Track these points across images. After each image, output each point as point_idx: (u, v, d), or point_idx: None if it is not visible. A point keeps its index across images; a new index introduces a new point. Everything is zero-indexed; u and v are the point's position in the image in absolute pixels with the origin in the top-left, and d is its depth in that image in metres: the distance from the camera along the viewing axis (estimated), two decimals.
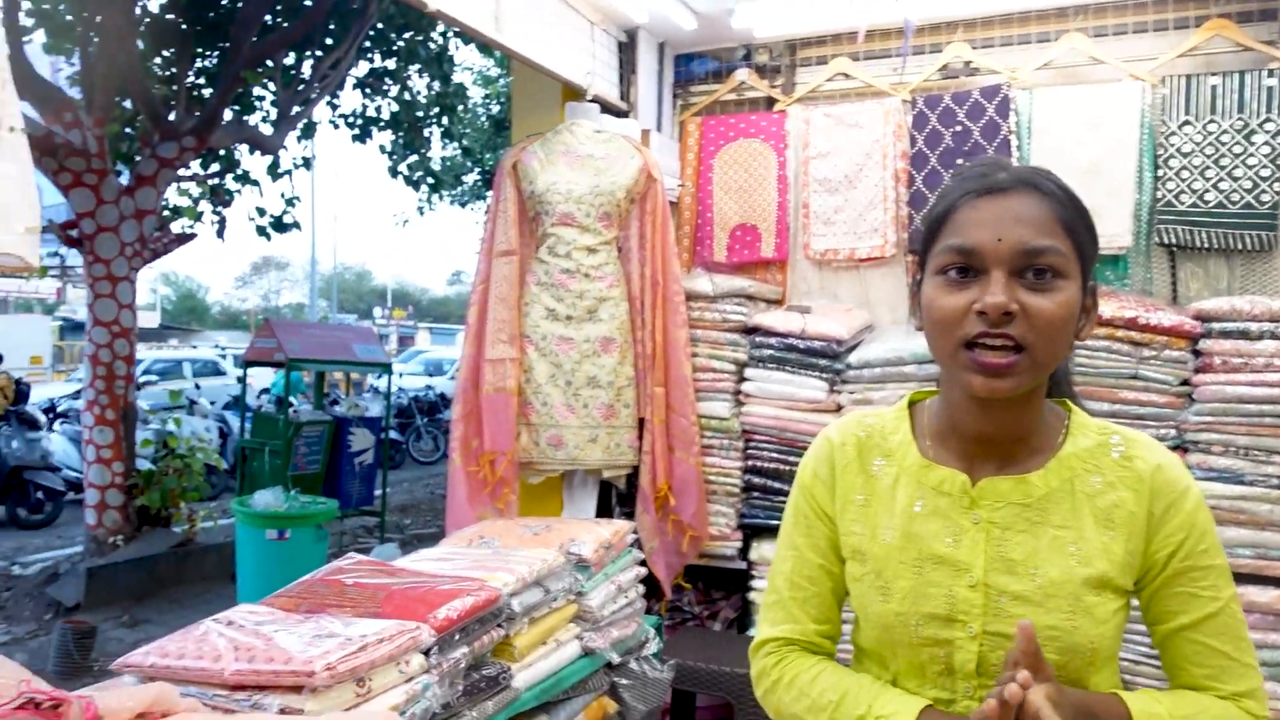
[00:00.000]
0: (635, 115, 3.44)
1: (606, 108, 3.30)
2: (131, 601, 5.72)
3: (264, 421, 6.86)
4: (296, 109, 7.50)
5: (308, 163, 9.00)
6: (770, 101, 3.56)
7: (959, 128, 3.14)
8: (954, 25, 3.26)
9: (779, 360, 3.10)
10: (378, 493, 7.35)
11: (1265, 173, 2.78)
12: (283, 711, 1.33)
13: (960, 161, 3.11)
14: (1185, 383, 2.65)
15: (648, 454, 3.07)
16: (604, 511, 3.30)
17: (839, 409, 3.01)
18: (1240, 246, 2.82)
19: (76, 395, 10.43)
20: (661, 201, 3.12)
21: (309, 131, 8.94)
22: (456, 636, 1.66)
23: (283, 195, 8.41)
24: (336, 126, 9.44)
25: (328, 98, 8.37)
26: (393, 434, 12.19)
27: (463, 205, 14.09)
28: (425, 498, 9.95)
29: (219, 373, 13.97)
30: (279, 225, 8.37)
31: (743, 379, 3.18)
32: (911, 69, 3.33)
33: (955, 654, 1.02)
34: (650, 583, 3.19)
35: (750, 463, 3.16)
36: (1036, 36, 3.18)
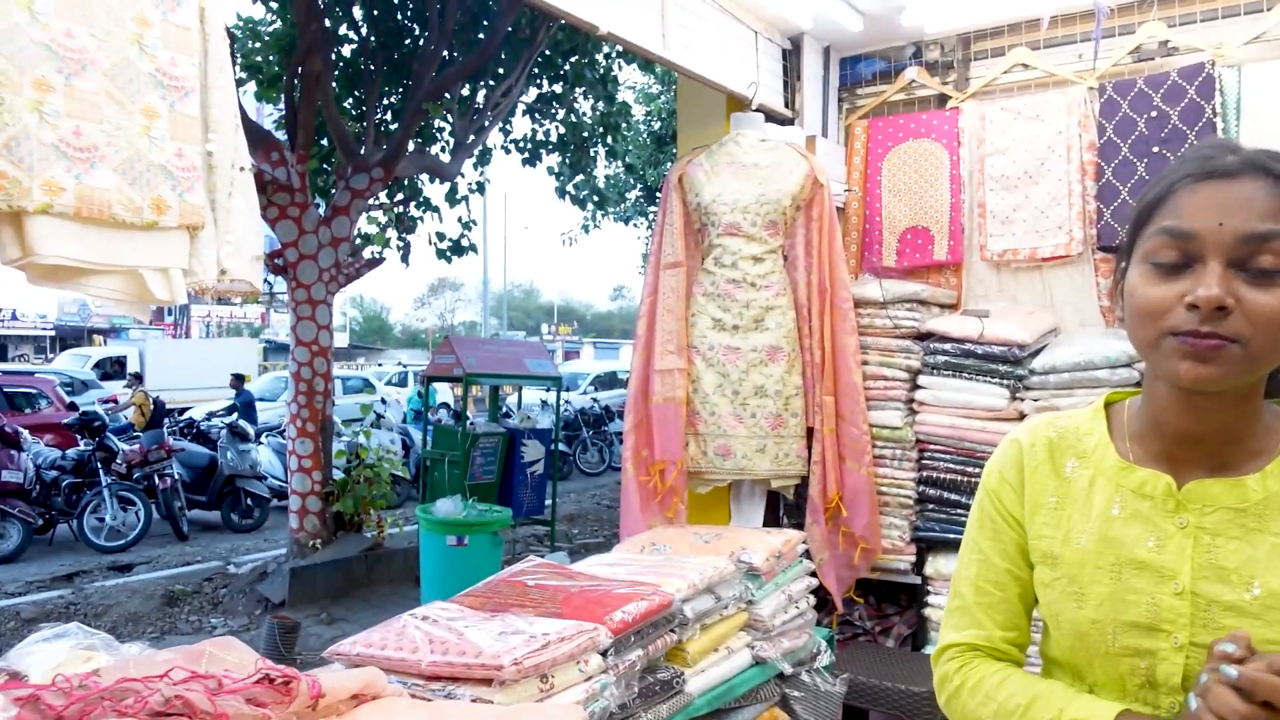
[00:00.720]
0: (800, 122, 3.41)
1: (771, 116, 3.29)
2: (328, 600, 6.19)
3: (444, 434, 7.25)
4: (472, 137, 7.92)
5: (481, 187, 9.46)
6: (942, 99, 3.44)
7: (1154, 113, 2.92)
8: (1147, 3, 3.04)
9: (955, 367, 2.97)
10: (548, 502, 7.60)
11: None
12: (474, 701, 1.40)
13: (1156, 150, 2.88)
14: None
15: (817, 464, 3.02)
16: (772, 522, 3.27)
17: (1021, 417, 2.85)
18: None
19: (229, 411, 11.38)
20: (828, 207, 3.08)
21: (484, 158, 9.42)
22: (632, 639, 1.69)
23: (460, 220, 8.90)
24: (508, 151, 9.90)
25: (500, 124, 8.80)
26: (562, 446, 12.64)
27: (625, 222, 14.40)
28: (591, 508, 10.19)
29: (403, 384, 14.91)
30: (457, 249, 8.86)
31: (916, 387, 3.07)
32: (1099, 55, 3.12)
33: (1159, 666, 0.95)
34: (821, 595, 3.14)
35: (925, 473, 3.05)
36: (1245, 8, 2.91)
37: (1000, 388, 2.89)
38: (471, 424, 7.27)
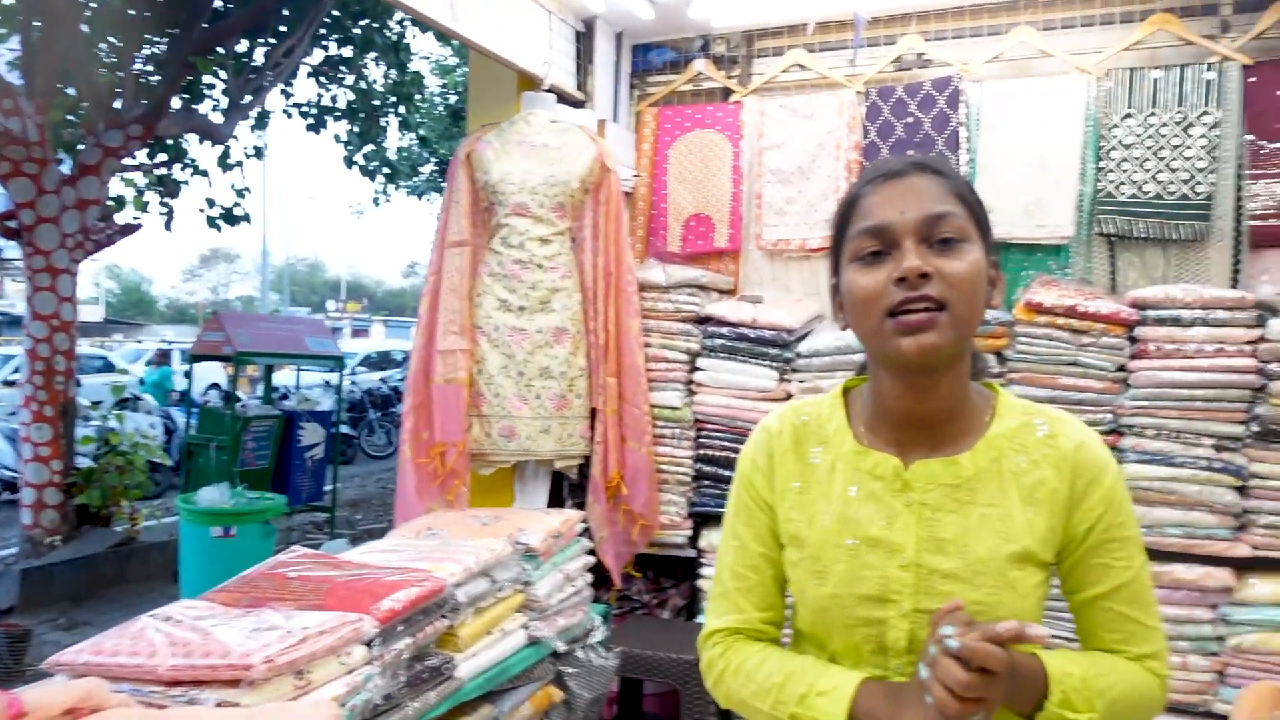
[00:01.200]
0: (592, 105, 3.42)
1: (563, 98, 3.28)
2: (69, 604, 5.57)
3: (210, 417, 6.72)
4: (248, 98, 7.34)
5: (259, 152, 8.81)
6: (727, 92, 3.57)
7: (910, 119, 3.18)
8: (908, 17, 3.29)
9: (730, 350, 3.11)
10: (328, 488, 7.25)
11: (1201, 165, 2.85)
12: (219, 705, 1.30)
13: (911, 153, 3.14)
14: (1121, 369, 2.71)
15: (600, 444, 3.07)
16: (556, 502, 3.29)
17: (788, 398, 3.03)
18: (1175, 236, 2.89)
19: None
20: (616, 192, 3.12)
21: (262, 121, 8.77)
22: (400, 628, 1.64)
23: (233, 186, 8.24)
24: (290, 116, 9.28)
25: (280, 86, 8.22)
26: (345, 429, 12.08)
27: (419, 196, 13.94)
28: (377, 493, 9.84)
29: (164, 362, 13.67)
30: (229, 218, 8.19)
31: (695, 369, 3.19)
32: (866, 61, 3.36)
33: (888, 632, 1.04)
34: (600, 572, 3.20)
35: (701, 451, 3.17)
36: (988, 29, 3.22)
37: (770, 370, 3.06)
38: (242, 406, 6.79)
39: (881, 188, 1.03)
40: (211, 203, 8.10)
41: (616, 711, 3.21)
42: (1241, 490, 2.62)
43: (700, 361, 3.17)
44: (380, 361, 16.73)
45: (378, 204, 12.43)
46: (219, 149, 7.81)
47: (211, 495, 4.88)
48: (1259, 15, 2.89)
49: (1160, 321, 2.67)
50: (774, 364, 3.06)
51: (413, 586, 1.69)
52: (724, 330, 3.13)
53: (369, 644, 1.56)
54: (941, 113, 3.12)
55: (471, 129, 3.22)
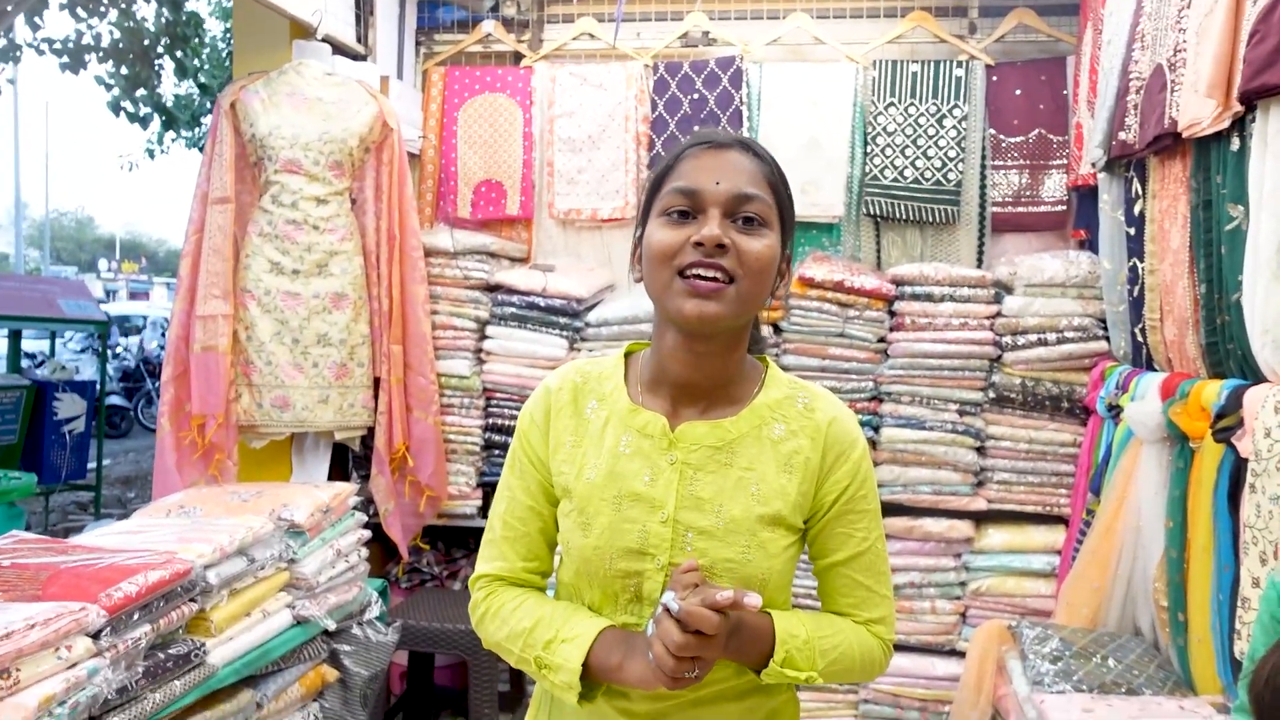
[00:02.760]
0: (373, 60, 3.25)
1: (341, 50, 3.10)
2: None
3: None
4: None
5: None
6: (517, 57, 3.51)
7: (696, 95, 3.25)
8: None
9: (520, 318, 3.09)
10: (92, 465, 6.61)
11: (952, 154, 3.11)
12: None
13: (697, 129, 3.22)
14: (882, 340, 2.93)
15: (384, 414, 2.97)
16: (340, 475, 3.16)
17: None
18: (931, 219, 3.14)
19: None
20: (399, 152, 2.99)
21: (8, 55, 7.72)
22: (135, 615, 1.52)
23: None
24: (41, 53, 8.23)
25: (26, 18, 7.26)
26: (118, 399, 11.02)
27: (201, 149, 12.84)
28: (152, 468, 9.08)
29: None
30: None
31: (484, 337, 3.14)
32: (654, 35, 3.40)
33: (644, 584, 1.07)
34: (389, 545, 3.12)
35: (491, 420, 3.14)
36: (768, 13, 3.35)
37: (560, 339, 3.07)
38: None
39: (702, 154, 1.06)
40: None
41: (407, 686, 3.15)
42: (980, 450, 2.91)
43: (490, 329, 3.13)
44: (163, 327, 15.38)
45: (152, 156, 11.31)
46: None
47: None
48: (1000, 20, 3.18)
49: (915, 297, 2.91)
50: (564, 333, 3.07)
51: (153, 570, 1.56)
52: (514, 298, 3.10)
53: (96, 635, 1.43)
54: (725, 91, 3.22)
55: (238, 76, 2.98)
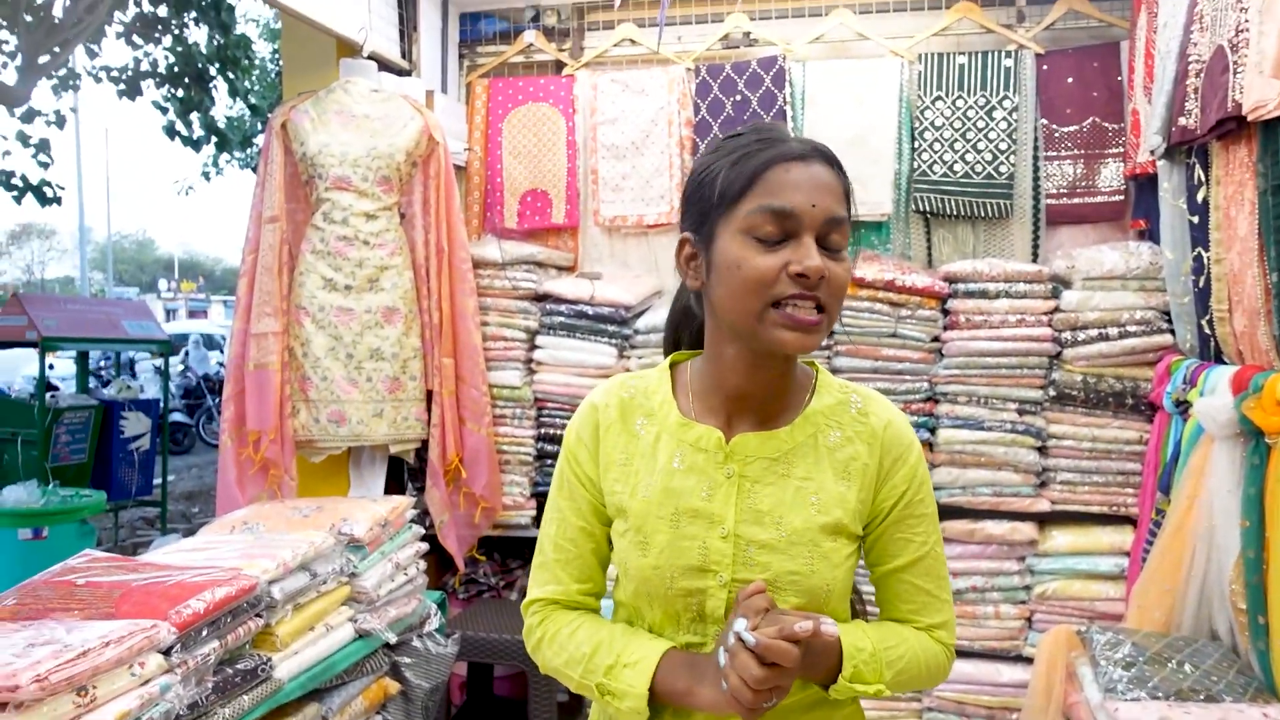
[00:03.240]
0: (418, 74, 3.30)
1: (386, 66, 3.14)
2: None
3: (13, 409, 6.12)
4: (46, 57, 6.67)
5: (61, 120, 8.04)
6: (559, 65, 3.52)
7: (739, 97, 3.23)
8: None
9: (569, 327, 3.10)
10: (157, 481, 6.79)
11: (1003, 146, 3.04)
12: None
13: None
14: (936, 339, 2.88)
15: (437, 427, 3.00)
16: (396, 488, 3.19)
17: None
18: (983, 214, 3.07)
19: None
20: (445, 165, 3.02)
21: (67, 83, 7.99)
22: (204, 632, 1.55)
23: (34, 155, 7.48)
24: (99, 80, 8.50)
25: (85, 45, 7.51)
26: (180, 416, 11.32)
27: (254, 169, 13.15)
28: (214, 483, 9.31)
29: None
30: (39, 195, 7.45)
31: (534, 347, 3.16)
32: (695, 38, 3.39)
33: (707, 602, 1.06)
34: (445, 557, 3.14)
35: (543, 430, 3.16)
36: (809, 10, 3.31)
37: (610, 346, 3.07)
38: (53, 397, 6.24)
39: (791, 168, 1.00)
40: (9, 175, 7.34)
41: (467, 697, 3.18)
42: (1041, 450, 2.84)
43: (539, 339, 3.14)
44: (221, 344, 15.79)
45: (208, 177, 11.63)
46: (17, 113, 7.07)
47: (18, 494, 4.46)
48: (1049, 7, 3.10)
49: (969, 294, 2.85)
50: (613, 340, 3.07)
51: (220, 586, 1.59)
52: (562, 307, 3.11)
53: (167, 652, 1.46)
54: (768, 91, 3.19)
55: (287, 97, 3.04)
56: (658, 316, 3.06)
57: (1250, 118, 2.01)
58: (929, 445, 2.86)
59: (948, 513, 2.84)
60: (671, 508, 1.07)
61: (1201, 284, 2.41)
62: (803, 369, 1.15)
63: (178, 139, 9.21)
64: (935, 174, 3.09)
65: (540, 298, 3.18)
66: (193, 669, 1.50)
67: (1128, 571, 2.69)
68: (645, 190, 3.32)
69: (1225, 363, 2.31)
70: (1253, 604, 2.06)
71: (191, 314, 29.96)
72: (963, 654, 2.83)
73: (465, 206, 3.40)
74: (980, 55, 3.07)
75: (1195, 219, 2.43)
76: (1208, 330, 2.40)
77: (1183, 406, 2.43)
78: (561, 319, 3.10)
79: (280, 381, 2.75)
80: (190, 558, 1.82)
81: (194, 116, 9.08)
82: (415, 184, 3.02)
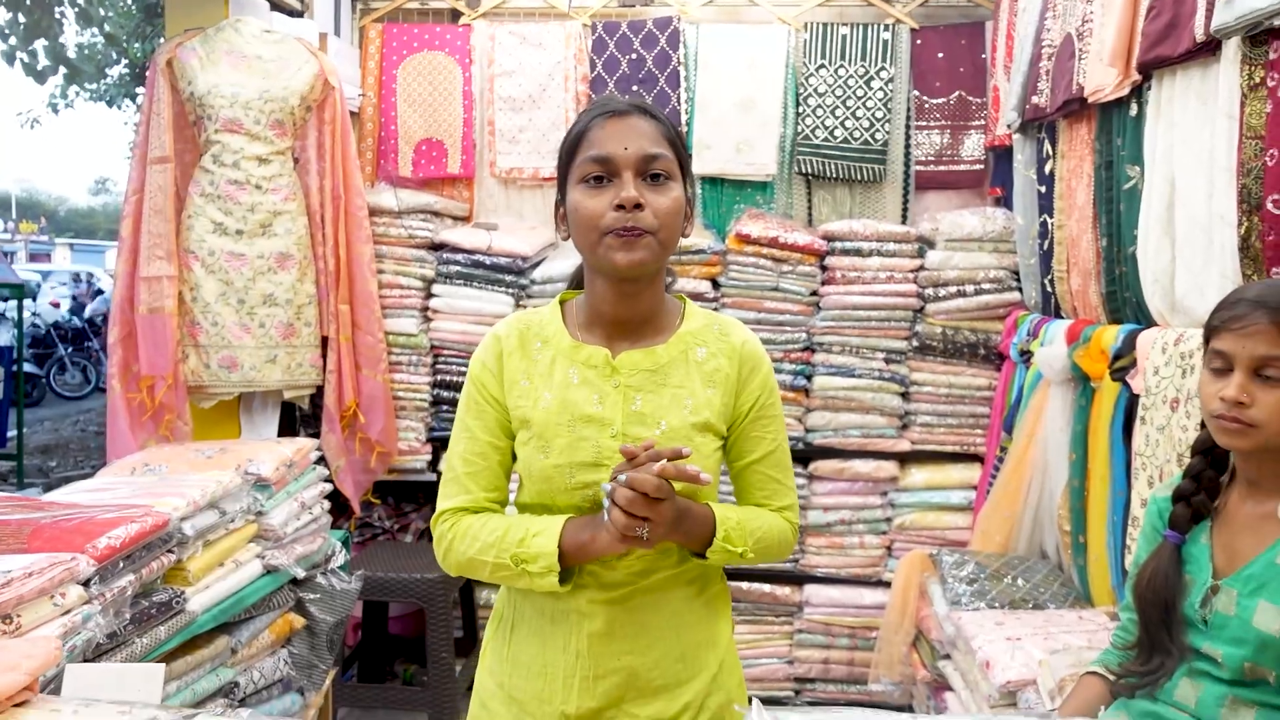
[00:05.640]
0: (310, 16, 3.23)
1: (278, 6, 3.07)
2: None
3: None
4: None
5: None
6: (455, 14, 3.52)
7: (634, 55, 3.33)
8: None
9: (466, 277, 3.15)
10: (11, 434, 6.42)
11: (879, 115, 3.26)
12: None
13: (635, 89, 3.30)
14: (814, 293, 3.10)
15: (333, 373, 3.01)
16: (288, 433, 3.19)
17: None
18: (860, 178, 3.30)
19: None
20: (341, 111, 3.00)
21: None
22: (120, 565, 1.58)
23: None
24: None
25: None
26: (30, 367, 10.61)
27: (108, 103, 12.24)
28: (74, 436, 8.84)
29: None
30: None
31: (430, 295, 3.20)
32: None
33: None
34: (340, 500, 3.18)
35: (439, 377, 3.22)
36: None
37: (506, 296, 3.15)
38: None
39: (607, 123, 1.21)
40: None
41: (362, 636, 3.24)
42: (904, 395, 3.12)
43: (436, 288, 3.19)
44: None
45: (56, 110, 10.79)
46: None
47: None
48: None
49: (845, 252, 3.07)
50: (509, 290, 3.15)
51: (133, 522, 1.62)
52: (459, 257, 3.16)
53: (86, 583, 1.49)
54: (663, 52, 3.30)
55: (171, 33, 2.94)
56: (553, 267, 3.15)
57: (1090, 100, 2.27)
58: (805, 392, 3.10)
59: (820, 453, 3.10)
60: (569, 415, 1.24)
61: (1046, 247, 2.70)
62: (673, 301, 1.35)
63: (18, 64, 8.52)
64: (817, 139, 3.29)
65: (436, 247, 3.22)
66: (111, 600, 1.54)
67: (974, 503, 3.01)
68: (542, 144, 3.38)
69: (1063, 317, 2.61)
70: (1075, 526, 2.37)
71: (33, 257, 27.72)
72: (829, 580, 3.12)
73: (359, 154, 3.37)
74: (861, 27, 3.27)
75: (1043, 189, 2.71)
76: (1049, 288, 2.70)
77: (1026, 356, 2.73)
78: (458, 268, 3.16)
79: (175, 326, 2.71)
80: (95, 497, 1.82)
81: (40, 44, 8.41)
82: (309, 129, 2.99)
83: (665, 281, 1.33)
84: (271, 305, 2.90)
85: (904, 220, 3.36)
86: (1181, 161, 1.90)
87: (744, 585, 3.11)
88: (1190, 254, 1.86)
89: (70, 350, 11.22)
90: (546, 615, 1.28)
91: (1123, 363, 2.10)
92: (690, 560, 1.27)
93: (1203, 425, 1.40)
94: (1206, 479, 1.43)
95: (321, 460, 3.00)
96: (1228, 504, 1.40)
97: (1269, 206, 1.60)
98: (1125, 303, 2.22)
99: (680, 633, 1.28)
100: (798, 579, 3.14)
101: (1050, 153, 2.64)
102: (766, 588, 3.14)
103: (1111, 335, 2.17)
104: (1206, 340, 1.37)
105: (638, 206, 1.17)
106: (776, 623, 3.17)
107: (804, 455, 3.10)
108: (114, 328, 2.77)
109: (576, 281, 1.42)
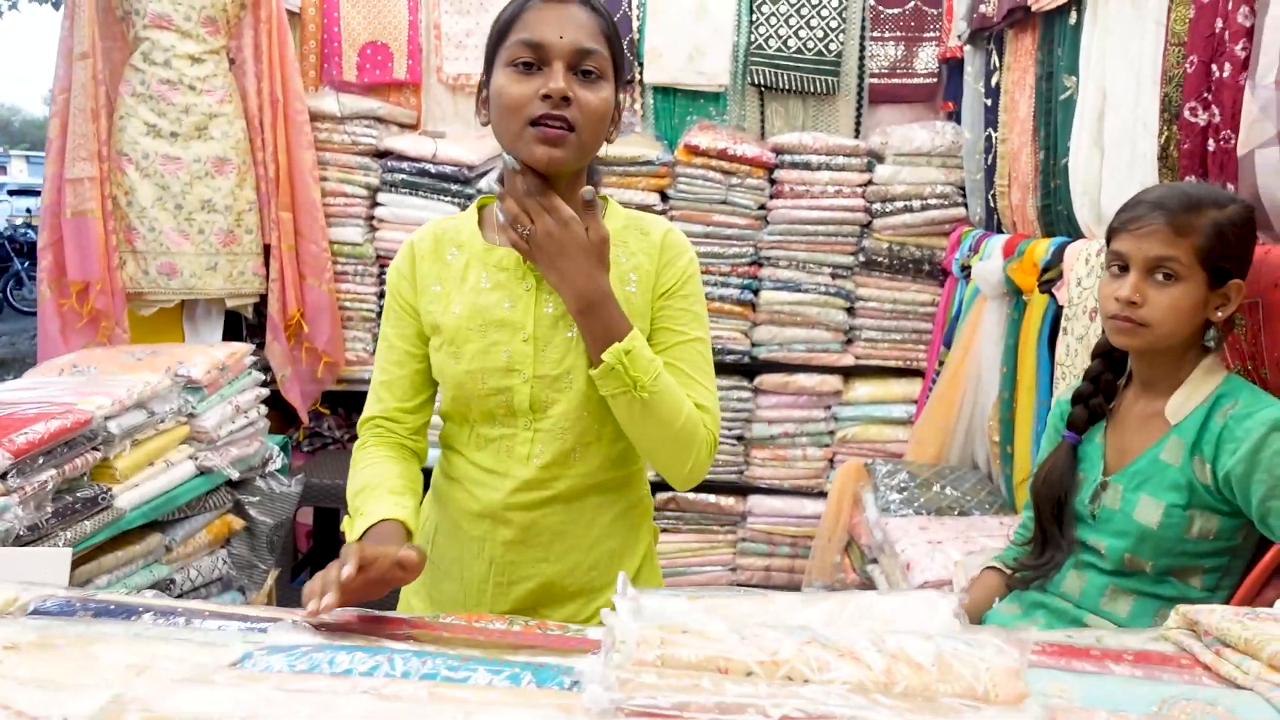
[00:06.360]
0: None
1: None
2: None
3: None
4: None
5: None
6: None
7: None
8: None
9: (411, 185, 3.11)
10: None
11: (834, 24, 3.20)
12: None
13: None
14: (763, 207, 3.09)
15: (276, 281, 2.98)
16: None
17: None
18: (813, 90, 3.25)
19: None
20: (278, 9, 2.90)
21: None
22: (40, 460, 1.59)
23: None
24: None
25: None
26: None
27: (55, 6, 11.77)
28: (29, 349, 8.72)
29: None
30: None
31: (376, 204, 3.16)
32: None
33: (514, 398, 1.22)
34: (289, 411, 3.19)
35: (385, 288, 3.19)
36: None
37: (453, 205, 3.10)
38: None
39: (545, 7, 1.13)
40: None
41: (313, 543, 3.29)
42: (849, 310, 3.14)
43: (381, 197, 3.14)
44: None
45: (0, 14, 10.35)
46: None
47: None
48: None
49: (794, 165, 3.05)
50: (456, 199, 3.11)
51: (53, 419, 1.62)
52: (404, 165, 3.10)
53: (3, 476, 1.50)
54: None
55: None
56: (496, 176, 3.10)
57: (1034, 8, 2.25)
58: (752, 306, 3.11)
59: (766, 367, 3.13)
60: (480, 320, 1.21)
61: (990, 162, 2.70)
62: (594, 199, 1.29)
63: None
64: (770, 48, 3.23)
65: (381, 154, 3.16)
66: (30, 494, 1.55)
67: (914, 416, 3.08)
68: None
69: (1003, 232, 2.63)
70: (1004, 437, 2.43)
71: None
72: (773, 491, 3.19)
73: (300, 57, 3.27)
74: None
75: (989, 102, 2.70)
76: (992, 204, 2.71)
77: (967, 271, 2.75)
78: (404, 176, 3.10)
79: (104, 231, 2.65)
80: (19, 395, 1.82)
81: None
82: (245, 28, 2.89)
83: (589, 177, 1.26)
84: (210, 211, 2.84)
85: (857, 134, 3.33)
86: (1114, 70, 1.90)
87: (690, 495, 3.18)
88: (1116, 164, 1.87)
89: (26, 265, 11.00)
90: (463, 522, 1.27)
91: (1050, 275, 2.13)
92: (609, 472, 1.25)
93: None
94: (1104, 381, 1.47)
95: (266, 372, 3.00)
96: (1122, 405, 1.44)
97: (1186, 114, 1.60)
98: (1059, 216, 2.24)
99: (596, 542, 1.27)
100: (742, 490, 3.21)
101: (997, 64, 2.62)
102: (712, 498, 3.21)
103: (1043, 248, 2.19)
104: (1108, 243, 1.39)
105: (565, 100, 1.10)
106: (721, 532, 3.25)
107: (750, 369, 3.13)
108: (43, 232, 2.72)
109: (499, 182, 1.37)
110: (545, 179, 1.13)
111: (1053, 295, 2.14)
